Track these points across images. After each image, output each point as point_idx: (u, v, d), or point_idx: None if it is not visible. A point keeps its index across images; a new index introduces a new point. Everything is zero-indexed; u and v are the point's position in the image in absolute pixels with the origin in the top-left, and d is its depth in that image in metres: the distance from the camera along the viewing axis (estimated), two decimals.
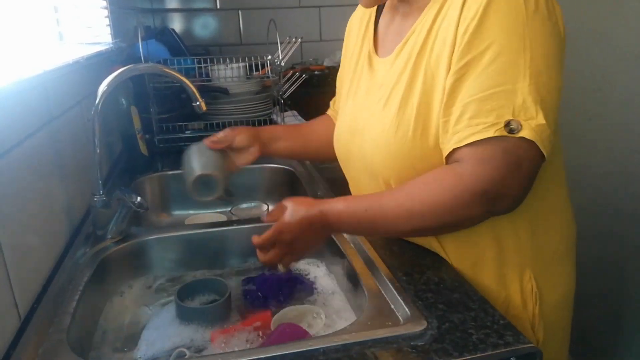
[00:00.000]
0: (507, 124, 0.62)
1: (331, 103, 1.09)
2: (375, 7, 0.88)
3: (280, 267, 0.76)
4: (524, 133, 0.62)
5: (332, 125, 1.01)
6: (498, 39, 0.63)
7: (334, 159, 0.94)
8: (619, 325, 1.71)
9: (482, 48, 0.64)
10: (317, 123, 1.08)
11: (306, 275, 0.93)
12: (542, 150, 0.63)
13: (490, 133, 0.63)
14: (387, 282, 0.74)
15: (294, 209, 0.72)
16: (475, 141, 0.64)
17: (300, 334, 0.72)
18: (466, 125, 0.64)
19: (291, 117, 1.79)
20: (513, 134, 0.62)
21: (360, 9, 0.93)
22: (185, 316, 0.81)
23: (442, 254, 0.80)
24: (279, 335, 0.71)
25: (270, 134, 1.02)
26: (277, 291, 0.85)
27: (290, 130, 1.08)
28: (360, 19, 0.92)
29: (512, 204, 0.68)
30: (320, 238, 0.76)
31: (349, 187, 0.92)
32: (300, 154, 1.11)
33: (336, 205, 0.72)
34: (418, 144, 0.71)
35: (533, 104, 0.62)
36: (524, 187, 0.67)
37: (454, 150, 0.66)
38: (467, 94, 0.65)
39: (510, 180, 0.65)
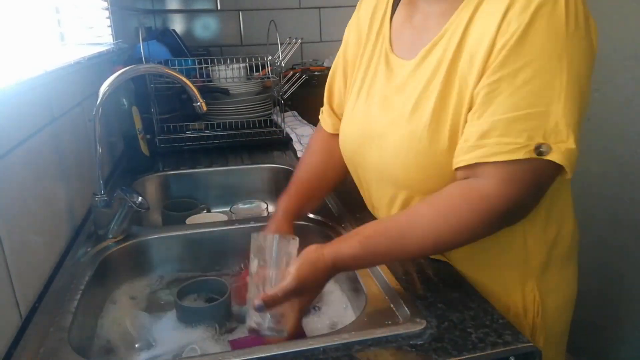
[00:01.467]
0: (537, 147, 0.62)
1: (323, 114, 0.98)
2: (391, 1, 0.83)
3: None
4: (553, 157, 0.61)
5: (334, 151, 0.91)
6: (536, 59, 0.62)
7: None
8: (618, 323, 1.72)
9: (518, 65, 0.62)
10: (325, 158, 0.94)
11: None
12: (568, 172, 0.63)
13: (520, 155, 0.61)
14: (387, 281, 0.75)
15: (313, 281, 0.67)
16: (503, 160, 0.63)
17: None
18: (495, 142, 0.63)
19: (291, 118, 1.79)
20: (542, 156, 0.62)
21: None
22: (185, 316, 0.81)
23: (444, 259, 0.80)
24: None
25: (298, 210, 0.89)
26: None
27: (307, 193, 0.92)
28: (374, 8, 0.85)
29: (523, 216, 0.69)
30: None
31: (349, 186, 0.92)
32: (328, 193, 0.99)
33: (353, 254, 0.68)
34: (450, 158, 0.69)
35: (565, 127, 0.61)
36: (536, 203, 0.68)
37: (476, 164, 0.65)
38: (499, 110, 0.63)
39: (531, 198, 0.66)
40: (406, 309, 0.68)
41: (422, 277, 0.76)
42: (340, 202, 1.06)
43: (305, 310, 0.70)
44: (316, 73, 1.97)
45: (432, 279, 0.75)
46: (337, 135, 0.92)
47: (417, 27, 0.77)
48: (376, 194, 0.83)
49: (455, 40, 0.68)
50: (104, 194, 0.91)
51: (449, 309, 0.68)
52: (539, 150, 0.62)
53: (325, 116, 0.97)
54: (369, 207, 0.91)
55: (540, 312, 0.78)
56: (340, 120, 0.93)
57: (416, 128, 0.71)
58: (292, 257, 0.70)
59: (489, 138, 0.63)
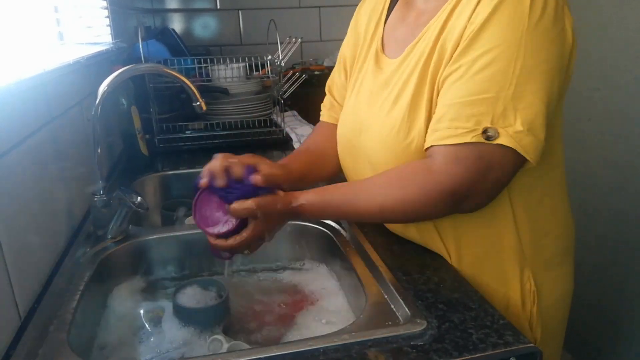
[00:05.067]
0: (485, 131, 0.64)
1: (324, 108, 1.02)
2: (387, 4, 0.86)
3: (247, 252, 0.77)
4: (501, 140, 0.64)
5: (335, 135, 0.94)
6: (494, 47, 0.64)
7: None
8: (617, 323, 1.72)
9: (477, 53, 0.65)
10: (324, 142, 0.97)
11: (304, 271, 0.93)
12: (524, 155, 0.65)
13: (467, 138, 0.65)
14: (387, 282, 0.75)
15: (271, 210, 0.73)
16: (452, 144, 0.66)
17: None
18: (446, 126, 0.67)
19: (291, 117, 1.79)
20: (490, 140, 0.64)
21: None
22: (183, 317, 0.80)
23: (443, 252, 0.80)
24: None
25: (296, 175, 0.89)
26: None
27: (305, 164, 0.93)
28: (371, 11, 0.89)
29: (476, 206, 0.71)
30: (284, 224, 0.78)
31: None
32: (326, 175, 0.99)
33: (310, 200, 0.74)
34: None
35: (513, 112, 0.64)
36: (492, 191, 0.69)
37: (431, 146, 0.69)
38: (454, 95, 0.67)
39: (479, 183, 0.67)
40: (406, 309, 0.68)
41: (422, 277, 0.76)
42: None
43: (256, 238, 0.74)
44: (316, 72, 1.97)
45: (433, 279, 0.75)
46: (334, 123, 0.96)
47: (409, 25, 0.80)
48: None
49: (435, 34, 0.71)
50: (103, 194, 0.91)
51: (449, 310, 0.68)
52: (486, 134, 0.64)
53: (325, 104, 1.02)
54: None
55: (536, 301, 0.79)
56: (337, 109, 0.98)
57: (395, 121, 0.74)
58: None
59: (442, 122, 0.67)
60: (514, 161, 0.66)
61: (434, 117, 0.69)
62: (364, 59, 0.87)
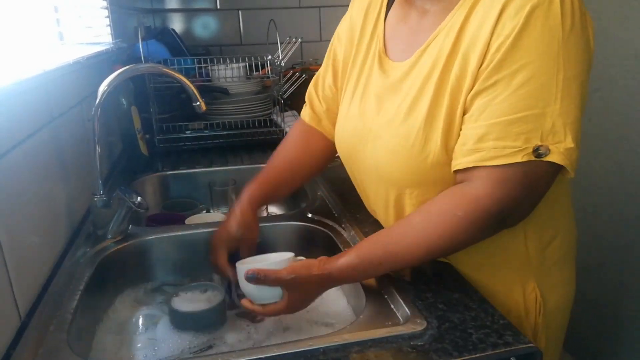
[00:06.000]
0: (536, 149, 0.62)
1: (308, 102, 0.99)
2: (386, 0, 0.83)
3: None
4: (553, 157, 0.62)
5: (312, 144, 0.94)
6: (532, 61, 0.61)
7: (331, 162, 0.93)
8: (617, 323, 1.72)
9: (514, 68, 0.62)
10: (297, 154, 0.97)
11: None
12: (571, 172, 0.63)
13: (518, 158, 0.62)
14: (387, 281, 0.74)
15: (307, 279, 0.70)
16: (501, 164, 0.63)
17: None
18: (492, 146, 0.63)
19: (291, 117, 1.79)
20: (540, 158, 0.62)
21: None
22: (179, 321, 0.80)
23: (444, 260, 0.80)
24: None
25: (263, 198, 0.91)
26: None
27: (276, 182, 0.93)
28: (367, 7, 0.85)
29: (519, 220, 0.69)
30: (321, 293, 0.74)
31: (349, 186, 0.92)
32: (299, 186, 0.99)
33: (348, 262, 0.69)
34: (444, 158, 0.69)
35: (562, 127, 0.62)
36: (534, 204, 0.68)
37: (473, 167, 0.65)
38: (495, 113, 0.63)
39: (525, 199, 0.65)
40: (406, 309, 0.68)
41: (422, 277, 0.76)
42: (340, 202, 1.06)
43: (287, 310, 0.72)
44: (316, 72, 1.96)
45: (433, 280, 0.75)
46: (314, 126, 0.96)
47: (412, 27, 0.76)
48: (373, 195, 0.84)
49: (450, 41, 0.68)
50: (103, 194, 0.91)
51: (449, 310, 0.68)
52: (537, 152, 0.62)
53: (306, 105, 0.99)
54: (368, 210, 0.91)
55: (542, 311, 0.78)
56: (320, 110, 0.96)
57: (410, 130, 0.71)
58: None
59: (486, 142, 0.63)
60: (556, 174, 0.65)
61: (471, 136, 0.65)
62: (365, 58, 0.82)
